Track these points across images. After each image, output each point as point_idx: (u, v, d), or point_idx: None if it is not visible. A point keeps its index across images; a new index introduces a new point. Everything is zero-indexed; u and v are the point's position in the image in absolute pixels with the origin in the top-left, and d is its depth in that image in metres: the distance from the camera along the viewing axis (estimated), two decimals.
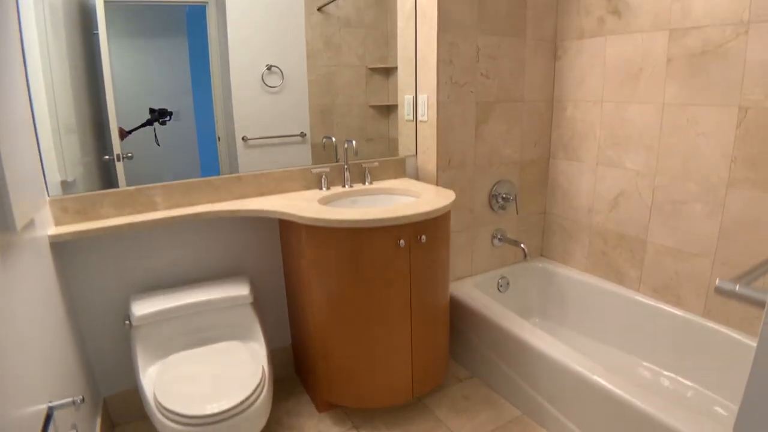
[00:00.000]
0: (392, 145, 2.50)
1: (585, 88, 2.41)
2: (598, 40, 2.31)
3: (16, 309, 1.20)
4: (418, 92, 2.34)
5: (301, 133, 2.30)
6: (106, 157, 1.97)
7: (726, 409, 1.93)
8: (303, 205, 1.89)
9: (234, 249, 2.09)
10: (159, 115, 2.03)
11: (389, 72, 2.48)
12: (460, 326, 2.33)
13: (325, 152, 2.33)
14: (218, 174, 2.07)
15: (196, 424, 1.44)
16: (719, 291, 0.76)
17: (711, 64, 1.90)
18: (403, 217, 1.69)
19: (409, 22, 2.31)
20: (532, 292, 2.71)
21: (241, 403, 1.49)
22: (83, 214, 1.79)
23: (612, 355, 2.34)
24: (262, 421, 1.60)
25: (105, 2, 1.87)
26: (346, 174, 2.19)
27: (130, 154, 1.98)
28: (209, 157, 2.19)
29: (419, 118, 2.36)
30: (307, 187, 2.17)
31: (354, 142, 2.15)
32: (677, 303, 2.16)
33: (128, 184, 1.92)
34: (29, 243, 1.42)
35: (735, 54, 1.82)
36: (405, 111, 2.43)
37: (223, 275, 2.08)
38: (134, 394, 1.90)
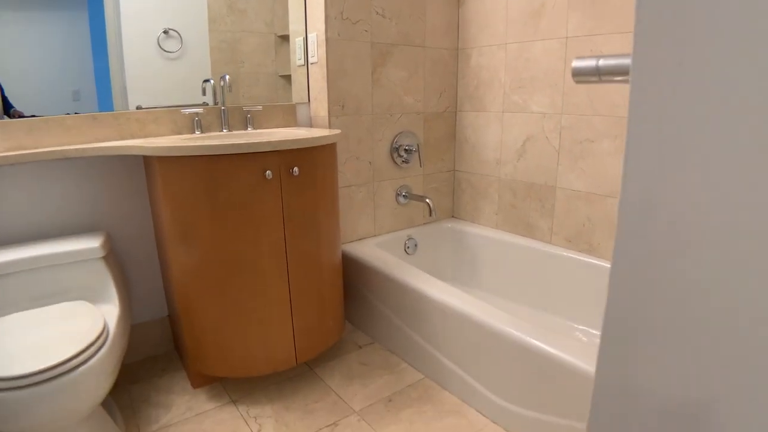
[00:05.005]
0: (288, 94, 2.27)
1: (488, 31, 2.27)
2: None
3: None
4: (308, 30, 2.12)
5: (204, 103, 2.03)
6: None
7: None
8: (163, 142, 1.63)
9: (90, 202, 1.79)
10: None
11: None
12: (360, 288, 2.12)
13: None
14: None
15: (6, 388, 1.16)
16: (577, 72, 0.59)
17: None
18: (268, 143, 1.46)
19: None
20: (443, 254, 2.53)
21: (63, 363, 1.20)
22: None
23: (520, 314, 2.19)
24: (97, 387, 1.31)
25: None
26: (224, 117, 1.94)
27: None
28: None
29: (310, 60, 2.14)
30: (178, 132, 1.90)
31: (228, 77, 1.89)
32: (590, 251, 2.04)
33: None
34: None
35: None
36: (297, 56, 2.21)
37: (78, 232, 1.78)
38: None
